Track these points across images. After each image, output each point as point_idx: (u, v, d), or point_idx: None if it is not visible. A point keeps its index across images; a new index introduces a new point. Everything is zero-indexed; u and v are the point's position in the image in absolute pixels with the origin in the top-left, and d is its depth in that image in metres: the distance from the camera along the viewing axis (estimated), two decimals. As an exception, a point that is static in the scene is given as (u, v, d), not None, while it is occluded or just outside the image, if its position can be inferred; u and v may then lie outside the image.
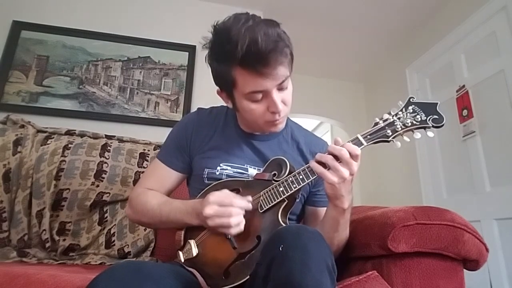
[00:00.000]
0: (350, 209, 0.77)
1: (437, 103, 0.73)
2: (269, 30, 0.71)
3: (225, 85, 0.80)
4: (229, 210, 0.71)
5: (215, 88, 0.86)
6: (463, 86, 2.19)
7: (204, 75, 2.16)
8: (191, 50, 2.20)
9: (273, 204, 0.75)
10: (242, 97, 0.78)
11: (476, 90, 2.12)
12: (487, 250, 0.80)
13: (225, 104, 0.94)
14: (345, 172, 0.68)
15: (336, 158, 0.68)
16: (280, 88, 0.77)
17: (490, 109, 2.02)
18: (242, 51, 0.69)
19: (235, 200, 0.73)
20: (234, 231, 0.71)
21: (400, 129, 0.71)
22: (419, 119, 0.71)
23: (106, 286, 0.54)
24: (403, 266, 0.78)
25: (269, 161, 0.84)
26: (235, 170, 0.87)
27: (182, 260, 0.79)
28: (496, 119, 1.98)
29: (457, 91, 2.24)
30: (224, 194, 0.74)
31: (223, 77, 0.78)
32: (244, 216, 0.73)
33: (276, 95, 0.76)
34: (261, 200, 0.77)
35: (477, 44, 2.15)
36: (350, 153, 0.68)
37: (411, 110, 0.72)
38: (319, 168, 0.69)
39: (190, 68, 2.17)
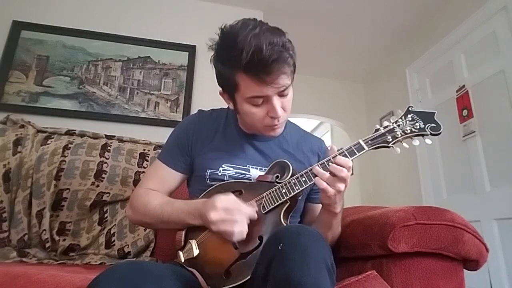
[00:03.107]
0: (342, 211, 0.81)
1: (434, 112, 0.76)
2: (275, 39, 0.73)
3: (228, 87, 0.82)
4: (234, 218, 0.72)
5: (215, 88, 0.88)
6: (463, 86, 2.19)
7: (204, 75, 2.16)
8: (191, 50, 2.20)
9: (275, 205, 0.76)
10: (243, 101, 0.80)
11: (476, 90, 2.12)
12: (487, 250, 0.80)
13: (225, 106, 0.96)
14: (341, 186, 0.71)
15: (333, 174, 0.71)
16: (281, 94, 0.79)
17: (490, 109, 2.02)
18: (246, 58, 0.71)
19: (241, 208, 0.73)
20: (235, 238, 0.72)
21: (400, 135, 0.75)
22: (418, 126, 0.75)
23: (107, 286, 0.54)
24: (403, 266, 0.78)
25: (272, 164, 0.85)
26: (237, 170, 0.88)
27: (182, 260, 0.79)
28: (496, 119, 1.98)
29: (457, 91, 2.24)
30: (231, 201, 0.74)
31: (226, 79, 0.80)
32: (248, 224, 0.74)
33: (277, 101, 0.79)
34: (264, 201, 0.77)
35: (477, 44, 2.15)
36: (343, 167, 0.71)
37: (410, 118, 0.76)
38: (322, 184, 0.71)
39: (190, 68, 2.17)
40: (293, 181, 0.75)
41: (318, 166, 0.73)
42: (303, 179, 0.74)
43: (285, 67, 0.75)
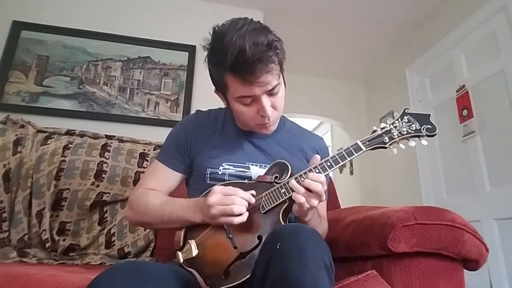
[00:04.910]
0: (315, 216, 0.82)
1: (429, 114, 0.78)
2: (259, 38, 0.73)
3: (220, 87, 0.85)
4: (232, 198, 0.73)
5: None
6: (463, 86, 2.19)
7: (204, 75, 2.13)
8: (191, 50, 2.20)
9: (274, 204, 0.76)
10: (233, 100, 0.82)
11: (476, 90, 2.12)
12: (487, 250, 0.80)
13: (223, 106, 0.97)
14: (315, 202, 0.72)
15: (308, 189, 0.71)
16: (270, 93, 0.80)
17: (490, 109, 2.02)
18: (231, 59, 0.72)
19: (238, 191, 0.75)
20: (236, 220, 0.72)
21: (396, 136, 0.76)
22: (414, 128, 0.77)
23: (107, 286, 0.54)
24: (403, 266, 0.78)
25: (271, 165, 0.85)
26: (237, 169, 0.88)
27: (181, 261, 0.79)
28: (496, 119, 1.98)
29: (457, 91, 2.24)
30: (229, 187, 0.76)
31: (217, 80, 0.83)
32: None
33: (266, 100, 0.79)
34: (263, 201, 0.77)
35: (477, 44, 2.15)
36: (317, 182, 0.71)
37: (406, 120, 0.78)
38: (301, 199, 0.71)
39: (190, 68, 2.17)
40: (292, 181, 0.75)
41: (297, 178, 0.74)
42: (302, 179, 0.74)
43: (270, 65, 0.75)
